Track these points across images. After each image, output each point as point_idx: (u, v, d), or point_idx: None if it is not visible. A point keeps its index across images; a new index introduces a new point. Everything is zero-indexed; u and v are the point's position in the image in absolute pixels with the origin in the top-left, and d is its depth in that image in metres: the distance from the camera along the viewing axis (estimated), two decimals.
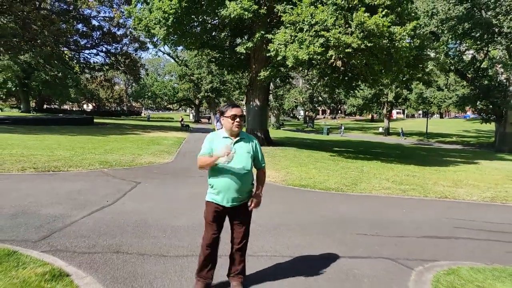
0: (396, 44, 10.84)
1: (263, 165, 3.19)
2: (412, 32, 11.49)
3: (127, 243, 4.14)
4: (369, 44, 10.63)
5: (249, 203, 3.07)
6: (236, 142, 3.02)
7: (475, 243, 4.92)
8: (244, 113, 3.02)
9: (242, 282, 3.15)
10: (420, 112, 75.69)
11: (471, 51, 32.88)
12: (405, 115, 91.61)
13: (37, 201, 5.64)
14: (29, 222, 4.66)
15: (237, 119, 2.96)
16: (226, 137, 3.02)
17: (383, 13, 10.76)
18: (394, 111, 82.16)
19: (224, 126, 3.03)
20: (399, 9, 11.63)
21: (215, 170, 2.96)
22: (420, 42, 12.98)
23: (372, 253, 4.22)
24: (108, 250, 3.91)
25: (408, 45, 10.96)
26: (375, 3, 10.95)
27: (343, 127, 46.26)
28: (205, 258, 3.03)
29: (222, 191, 2.95)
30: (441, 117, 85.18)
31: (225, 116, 2.99)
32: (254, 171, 3.17)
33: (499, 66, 28.76)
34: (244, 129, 3.34)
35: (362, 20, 10.46)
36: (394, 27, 10.90)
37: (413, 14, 16.39)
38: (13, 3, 22.16)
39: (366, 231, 5.10)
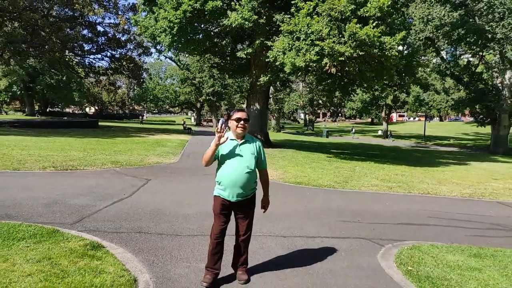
0: (386, 53, 11.68)
1: (265, 166, 3.48)
2: (401, 42, 12.30)
3: (147, 226, 4.96)
4: (361, 53, 11.48)
5: (261, 208, 3.50)
6: (242, 144, 3.29)
7: (442, 229, 5.73)
8: (248, 116, 3.32)
9: (247, 271, 3.48)
10: (420, 115, 76.55)
11: (468, 55, 33.72)
12: (405, 117, 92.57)
13: (64, 194, 6.46)
14: (62, 210, 5.49)
15: (241, 122, 3.25)
16: (232, 139, 3.30)
17: (374, 24, 11.61)
18: (393, 114, 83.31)
19: (230, 128, 3.33)
20: (389, 20, 12.48)
21: (223, 169, 3.28)
22: (410, 50, 13.83)
23: (351, 235, 5.03)
24: (132, 230, 4.73)
25: (397, 54, 11.79)
26: (366, 15, 11.81)
27: (354, 130, 47.26)
28: (214, 247, 3.31)
29: (228, 187, 3.23)
30: (441, 120, 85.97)
31: (231, 119, 3.29)
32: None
33: (494, 69, 29.56)
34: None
35: (354, 30, 11.31)
36: (384, 37, 11.73)
37: (406, 22, 17.29)
38: (23, 11, 23.10)
39: (349, 219, 5.92)
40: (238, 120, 3.25)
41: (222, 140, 3.16)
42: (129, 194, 6.84)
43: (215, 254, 3.33)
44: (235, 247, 3.47)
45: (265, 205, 3.54)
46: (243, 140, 3.32)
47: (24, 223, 4.56)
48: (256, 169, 3.39)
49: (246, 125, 3.29)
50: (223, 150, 3.26)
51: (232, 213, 3.40)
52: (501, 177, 12.37)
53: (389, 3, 11.77)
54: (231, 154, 3.26)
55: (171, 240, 4.46)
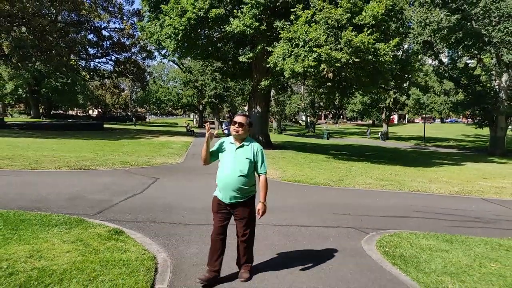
0: (380, 59, 12.32)
1: (262, 171, 3.45)
2: (395, 48, 12.94)
3: (159, 217, 5.61)
4: (356, 60, 12.12)
5: (256, 213, 3.44)
6: (238, 147, 3.40)
7: (425, 220, 6.35)
8: (244, 121, 3.39)
9: (249, 270, 3.56)
10: (424, 117, 77.21)
11: (466, 58, 34.32)
12: (406, 119, 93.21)
13: (82, 190, 7.12)
14: (83, 203, 6.14)
15: (236, 125, 3.37)
16: (232, 143, 3.44)
17: (368, 31, 12.26)
18: (395, 116, 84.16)
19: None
20: (384, 27, 13.13)
21: (219, 171, 3.42)
22: (408, 54, 14.46)
23: (340, 224, 5.67)
24: (147, 220, 5.38)
25: (391, 60, 12.43)
26: (361, 23, 12.46)
27: (369, 131, 47.95)
28: (212, 244, 3.44)
29: (222, 190, 3.37)
30: (442, 121, 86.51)
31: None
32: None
33: (492, 72, 30.16)
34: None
35: (350, 38, 11.96)
36: (378, 43, 12.38)
37: (405, 26, 17.91)
38: (32, 17, 23.89)
39: (341, 212, 6.55)
40: (234, 123, 3.39)
41: (207, 135, 3.35)
42: (141, 190, 7.49)
43: (214, 252, 3.41)
44: (237, 248, 3.56)
45: (259, 210, 3.41)
46: (240, 144, 3.40)
47: (54, 214, 5.22)
48: (255, 173, 3.47)
49: (239, 128, 3.35)
50: (222, 152, 3.43)
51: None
52: (491, 177, 12.95)
53: (383, 11, 12.42)
54: (228, 157, 3.38)
55: (182, 228, 5.11)
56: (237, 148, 3.38)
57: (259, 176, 3.48)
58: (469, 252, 4.43)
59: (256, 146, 3.46)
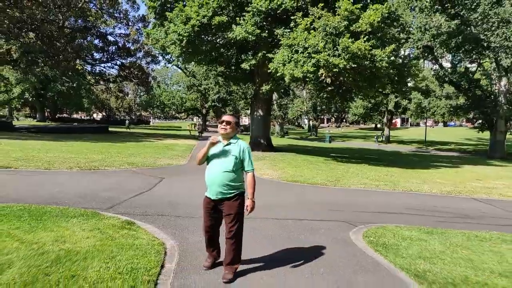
0: (377, 65, 12.83)
1: (249, 169, 3.57)
2: (391, 54, 13.45)
3: (166, 211, 6.12)
4: (353, 65, 12.63)
5: (245, 209, 3.54)
6: (226, 145, 3.56)
7: (413, 216, 6.82)
8: (232, 120, 3.60)
9: (234, 272, 3.54)
10: (425, 120, 77.58)
11: (466, 62, 34.75)
12: (409, 123, 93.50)
13: (94, 188, 7.65)
14: (95, 199, 6.67)
15: (223, 123, 3.54)
16: (220, 141, 3.62)
17: (365, 38, 12.78)
18: (397, 119, 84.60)
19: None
20: (380, 34, 13.65)
21: (207, 168, 3.62)
22: (407, 60, 14.94)
23: (333, 219, 6.15)
24: (155, 213, 5.90)
25: (387, 65, 12.93)
26: (358, 30, 13.00)
27: (382, 133, 48.31)
28: (206, 240, 3.73)
29: (209, 186, 3.58)
30: (445, 125, 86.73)
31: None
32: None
33: (492, 76, 30.57)
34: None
35: (347, 44, 12.48)
36: (375, 50, 12.89)
37: (405, 31, 18.42)
38: (41, 23, 24.65)
39: (334, 208, 7.03)
40: (221, 122, 3.57)
41: (212, 140, 3.55)
42: (148, 189, 8.02)
43: (209, 247, 3.78)
44: (225, 245, 3.60)
45: (248, 206, 3.53)
46: (227, 142, 3.56)
47: (71, 207, 5.74)
48: (244, 172, 3.63)
49: (227, 126, 3.52)
50: (211, 151, 3.60)
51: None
52: (485, 178, 13.36)
53: (379, 19, 12.94)
54: (215, 154, 3.56)
55: (187, 220, 5.62)
56: (224, 146, 3.55)
57: (246, 173, 3.62)
58: (446, 241, 4.90)
59: (242, 144, 3.59)
